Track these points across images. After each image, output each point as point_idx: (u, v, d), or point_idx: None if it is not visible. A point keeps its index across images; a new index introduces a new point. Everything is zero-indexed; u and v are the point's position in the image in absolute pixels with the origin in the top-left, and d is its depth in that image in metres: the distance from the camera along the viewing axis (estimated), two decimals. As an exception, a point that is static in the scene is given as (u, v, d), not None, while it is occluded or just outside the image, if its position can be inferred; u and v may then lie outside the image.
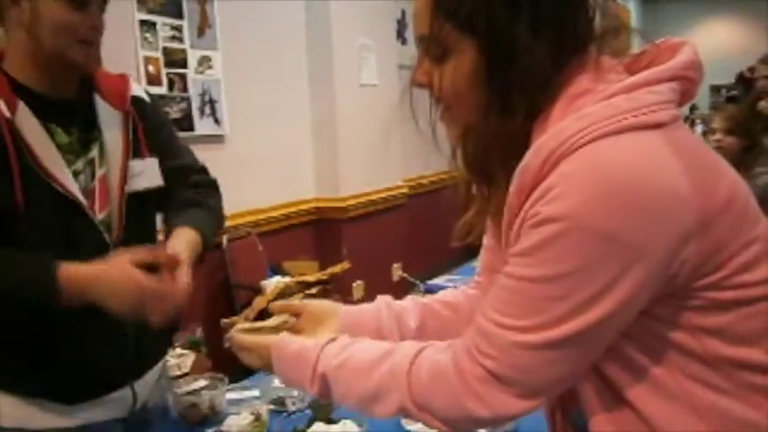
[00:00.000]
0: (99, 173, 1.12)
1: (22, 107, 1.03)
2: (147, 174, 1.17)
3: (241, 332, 0.88)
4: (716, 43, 10.13)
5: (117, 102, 1.16)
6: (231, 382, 1.46)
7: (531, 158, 0.63)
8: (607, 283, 0.60)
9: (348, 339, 0.79)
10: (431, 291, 2.12)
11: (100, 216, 1.11)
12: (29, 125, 1.03)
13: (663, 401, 0.66)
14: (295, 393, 1.38)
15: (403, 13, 4.43)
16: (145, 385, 1.22)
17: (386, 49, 3.96)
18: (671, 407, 0.66)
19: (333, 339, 0.79)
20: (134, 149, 1.16)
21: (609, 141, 0.60)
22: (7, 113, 1.01)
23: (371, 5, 3.81)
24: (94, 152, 1.12)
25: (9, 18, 1.03)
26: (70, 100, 1.11)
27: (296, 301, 0.98)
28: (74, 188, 1.06)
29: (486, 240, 0.90)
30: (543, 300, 0.63)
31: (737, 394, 0.66)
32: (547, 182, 0.61)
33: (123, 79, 1.20)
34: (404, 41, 4.44)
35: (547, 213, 0.61)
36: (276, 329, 0.89)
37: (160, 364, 1.28)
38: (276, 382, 1.43)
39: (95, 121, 1.13)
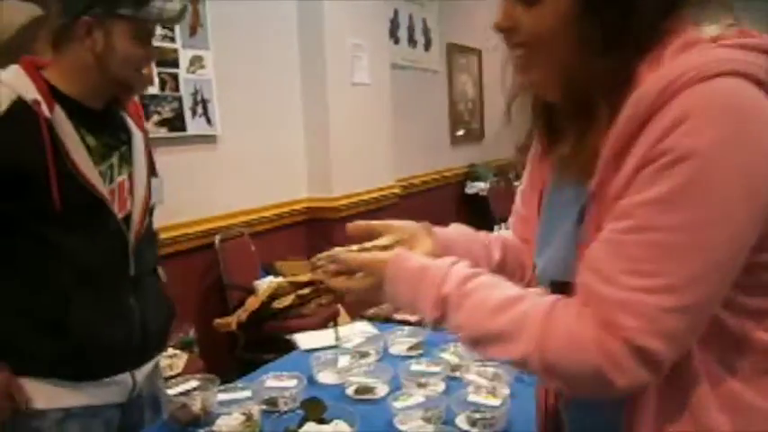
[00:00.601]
0: (118, 178, 1.26)
1: (58, 110, 1.17)
2: (156, 192, 1.37)
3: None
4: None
5: (138, 122, 1.35)
6: (223, 382, 1.45)
7: (649, 87, 0.61)
8: (744, 225, 0.59)
9: (473, 268, 0.74)
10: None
11: (119, 216, 1.25)
12: (64, 126, 1.17)
13: (698, 386, 0.66)
14: (287, 394, 1.38)
15: (396, 12, 4.43)
16: (142, 375, 1.34)
17: (378, 49, 3.96)
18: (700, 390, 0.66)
19: (456, 262, 0.75)
20: (151, 168, 1.37)
21: (734, 80, 0.59)
22: (47, 113, 1.14)
23: (364, 5, 3.81)
24: (114, 159, 1.26)
25: (74, 41, 1.19)
26: (99, 110, 1.26)
27: (376, 222, 0.89)
28: (102, 188, 1.21)
29: (520, 210, 0.92)
30: (687, 250, 0.59)
31: (756, 382, 0.67)
32: (671, 114, 0.59)
33: (139, 105, 1.41)
34: (396, 41, 4.45)
35: (682, 150, 0.58)
36: (386, 248, 0.80)
37: (157, 359, 1.40)
38: (268, 382, 1.43)
39: (118, 132, 1.29)
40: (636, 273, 0.61)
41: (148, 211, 1.33)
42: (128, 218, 1.27)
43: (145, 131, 1.37)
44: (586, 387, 0.66)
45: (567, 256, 0.71)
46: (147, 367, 1.36)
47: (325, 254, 0.84)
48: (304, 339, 1.78)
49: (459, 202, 5.28)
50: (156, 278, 1.41)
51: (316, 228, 3.71)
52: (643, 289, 0.60)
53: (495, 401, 1.27)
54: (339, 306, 3.27)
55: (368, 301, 0.86)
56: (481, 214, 4.71)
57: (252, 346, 3.02)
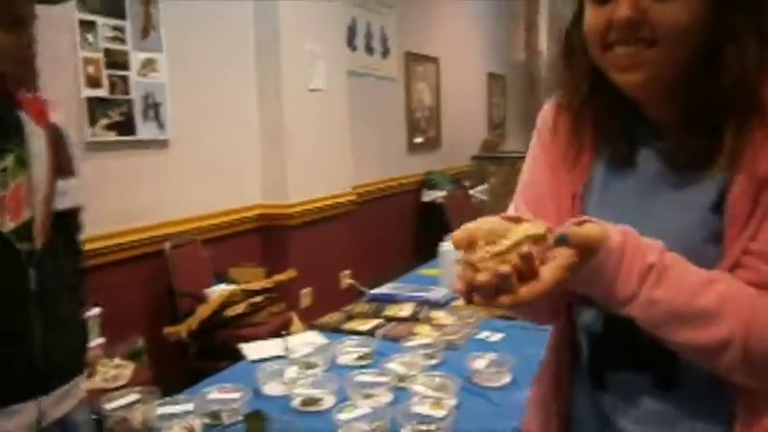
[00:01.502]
0: (13, 182, 1.12)
1: None
2: (71, 194, 1.20)
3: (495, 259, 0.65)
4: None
5: (40, 119, 1.18)
6: (173, 392, 1.41)
7: None
8: None
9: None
10: (375, 300, 2.12)
11: (11, 225, 1.10)
12: None
13: None
14: (230, 406, 1.35)
15: (353, 20, 4.44)
16: (52, 402, 1.17)
17: (335, 56, 3.95)
18: None
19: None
20: (59, 168, 1.18)
21: None
22: None
23: (321, 12, 3.80)
24: (8, 162, 1.11)
25: None
26: None
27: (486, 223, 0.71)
28: None
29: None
30: None
31: None
32: None
33: (44, 101, 1.23)
34: (354, 48, 4.45)
35: None
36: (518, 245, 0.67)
37: (73, 382, 1.22)
38: (212, 395, 1.40)
39: (9, 132, 1.13)
40: None
41: (54, 216, 1.17)
42: (28, 225, 1.12)
43: (52, 128, 1.20)
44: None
45: (689, 250, 0.69)
46: (58, 393, 1.18)
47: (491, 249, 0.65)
48: (252, 349, 1.75)
49: (416, 210, 5.30)
50: (75, 295, 1.24)
51: (270, 234, 3.68)
52: None
53: (441, 412, 1.27)
54: (292, 314, 3.25)
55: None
56: (437, 222, 4.73)
57: (203, 354, 2.96)
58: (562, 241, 0.64)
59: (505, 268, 0.62)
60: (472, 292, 0.64)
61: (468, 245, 0.65)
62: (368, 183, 4.63)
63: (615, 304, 0.68)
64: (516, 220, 0.68)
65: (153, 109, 2.99)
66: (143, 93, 2.93)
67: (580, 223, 0.66)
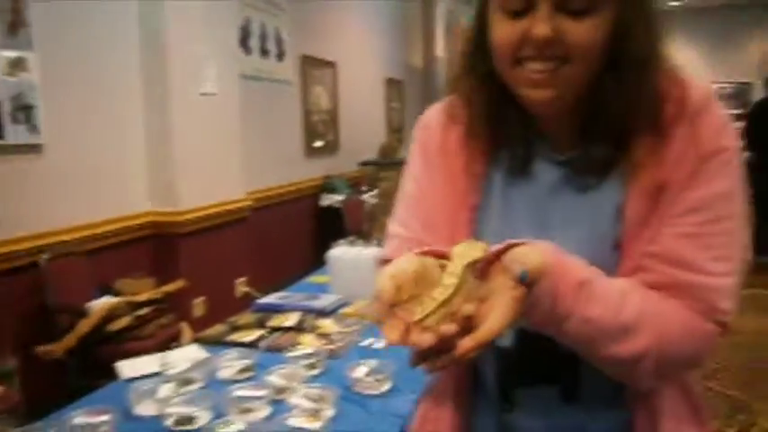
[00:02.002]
0: None
1: None
2: None
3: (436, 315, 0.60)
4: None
5: None
6: (43, 416, 1.32)
7: (693, 94, 0.73)
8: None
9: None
10: (261, 309, 2.08)
11: None
12: None
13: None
14: (99, 430, 1.28)
15: (247, 21, 4.35)
16: None
17: (227, 59, 3.86)
18: None
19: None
20: None
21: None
22: None
23: (212, 12, 3.70)
24: None
25: None
26: None
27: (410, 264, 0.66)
28: None
29: (419, 237, 0.83)
30: (741, 233, 0.72)
31: None
32: (716, 118, 0.73)
33: None
34: (248, 51, 4.36)
35: (734, 149, 0.73)
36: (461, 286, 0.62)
37: None
38: (77, 419, 1.32)
39: None
40: (720, 259, 0.70)
41: None
42: None
43: None
44: (678, 374, 0.74)
45: (594, 257, 0.70)
46: None
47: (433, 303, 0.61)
48: (126, 367, 1.67)
49: (315, 215, 5.27)
50: None
51: (160, 243, 3.53)
52: (728, 273, 0.70)
53: (316, 424, 1.26)
54: (183, 325, 3.13)
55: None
56: (336, 227, 4.72)
57: (86, 373, 2.79)
58: (522, 281, 0.61)
59: (451, 328, 0.58)
60: (421, 355, 0.60)
61: (397, 293, 0.60)
62: (264, 188, 4.55)
63: (548, 327, 0.67)
64: (439, 254, 0.66)
65: (23, 111, 2.79)
66: (11, 94, 2.73)
67: (508, 246, 0.64)
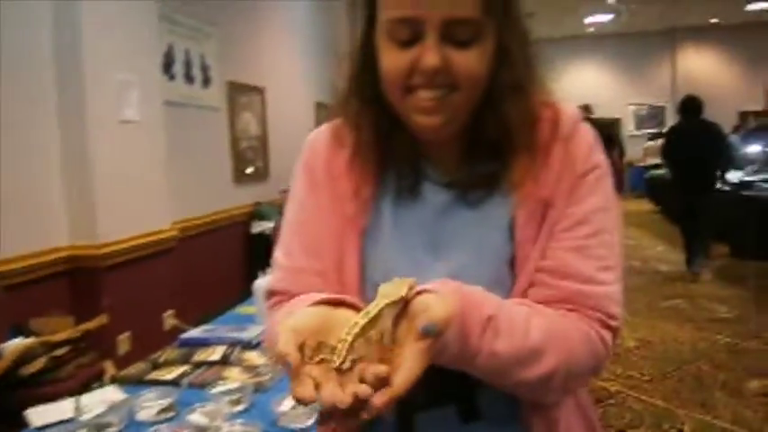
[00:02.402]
0: None
1: None
2: None
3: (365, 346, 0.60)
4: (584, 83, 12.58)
5: None
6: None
7: (564, 117, 0.80)
8: None
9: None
10: (186, 344, 2.00)
11: None
12: None
13: None
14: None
15: (170, 47, 4.26)
16: None
17: (150, 85, 3.76)
18: None
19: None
20: None
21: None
22: None
23: (133, 38, 3.60)
24: None
25: None
26: None
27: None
28: None
29: (309, 266, 0.83)
30: (617, 242, 0.79)
31: None
32: (585, 138, 0.80)
33: None
34: (171, 77, 4.27)
35: (603, 167, 0.80)
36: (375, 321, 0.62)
37: None
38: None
39: None
40: (605, 269, 0.77)
41: None
42: None
43: None
44: (582, 384, 0.81)
45: (490, 276, 0.75)
46: None
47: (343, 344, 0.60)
48: (37, 415, 1.56)
49: (245, 243, 5.17)
50: None
51: (80, 278, 3.36)
52: (613, 281, 0.77)
53: (240, 464, 1.21)
54: (106, 363, 2.98)
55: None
56: (267, 254, 4.64)
57: (-3, 420, 2.61)
58: (428, 334, 0.60)
59: (367, 390, 0.57)
60: (330, 414, 0.58)
61: (300, 353, 0.59)
62: (192, 217, 4.43)
63: (456, 364, 0.67)
64: (336, 303, 0.65)
65: (-76, 144, 2.62)
66: None
67: (419, 293, 0.64)
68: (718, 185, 6.81)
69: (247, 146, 5.43)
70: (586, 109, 8.78)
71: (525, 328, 0.69)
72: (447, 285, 0.67)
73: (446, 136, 0.78)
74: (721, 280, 5.78)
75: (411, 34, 0.71)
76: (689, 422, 3.06)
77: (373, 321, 0.61)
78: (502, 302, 0.71)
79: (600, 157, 0.80)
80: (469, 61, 0.72)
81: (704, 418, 3.09)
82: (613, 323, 0.76)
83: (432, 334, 0.60)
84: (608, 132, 8.17)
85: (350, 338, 0.60)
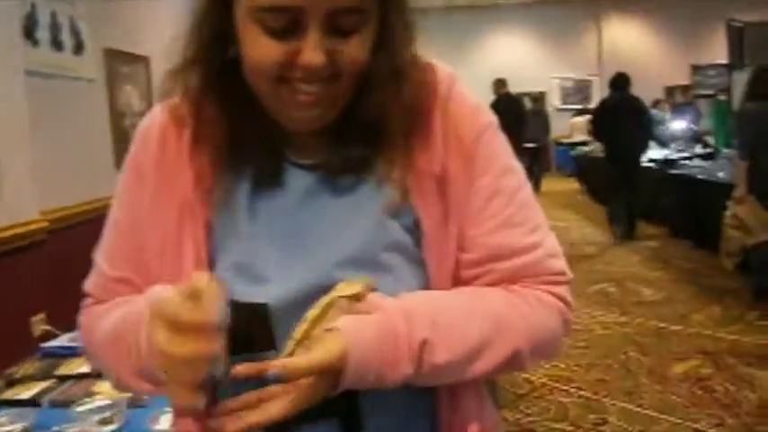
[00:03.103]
0: None
1: None
2: None
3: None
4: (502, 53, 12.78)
5: None
6: None
7: (443, 93, 0.81)
8: None
9: (424, 292, 0.76)
10: (50, 355, 1.88)
11: None
12: None
13: None
14: None
15: (33, 8, 3.98)
16: None
17: (6, 51, 3.50)
18: None
19: (411, 297, 0.73)
20: None
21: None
22: None
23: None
24: None
25: None
26: None
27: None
28: None
29: (112, 270, 0.84)
30: (530, 192, 0.84)
31: None
32: (468, 100, 0.82)
33: None
34: (35, 43, 3.99)
35: (494, 123, 0.83)
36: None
37: None
38: None
39: None
40: (532, 230, 0.80)
41: None
42: None
43: None
44: (556, 349, 0.82)
45: (365, 257, 0.76)
46: None
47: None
48: None
49: (132, 234, 4.95)
50: None
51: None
52: (544, 237, 0.81)
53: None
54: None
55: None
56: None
57: None
58: (277, 380, 0.63)
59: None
60: None
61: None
62: (65, 206, 4.19)
63: (390, 386, 0.70)
64: (194, 295, 0.63)
65: None
66: None
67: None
68: (646, 163, 7.21)
69: (131, 123, 5.18)
70: (501, 83, 9.02)
71: (464, 329, 0.73)
72: (362, 322, 0.69)
73: (320, 127, 0.77)
74: (650, 261, 6.10)
75: (287, 23, 0.68)
76: (615, 412, 3.21)
77: (318, 319, 0.68)
78: (438, 308, 0.73)
79: (486, 115, 0.83)
80: (353, 50, 0.71)
81: (630, 407, 3.25)
82: (561, 278, 0.81)
83: (280, 381, 0.63)
84: (518, 110, 8.49)
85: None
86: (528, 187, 0.84)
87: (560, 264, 0.82)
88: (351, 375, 0.67)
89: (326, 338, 0.66)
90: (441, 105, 0.79)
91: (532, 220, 0.81)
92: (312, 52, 0.68)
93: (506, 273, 0.78)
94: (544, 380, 3.62)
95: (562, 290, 0.81)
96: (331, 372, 0.66)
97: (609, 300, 5.02)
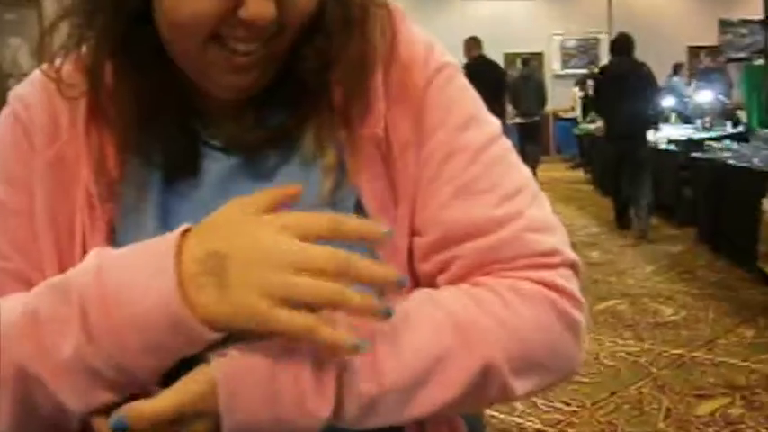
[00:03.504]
0: None
1: None
2: None
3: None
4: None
5: None
6: None
7: (385, 33, 0.79)
8: None
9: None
10: None
11: None
12: None
13: None
14: None
15: None
16: None
17: None
18: None
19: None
20: None
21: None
22: None
23: None
24: None
25: None
26: None
27: None
28: None
29: (19, 266, 0.78)
30: (508, 147, 0.82)
31: None
32: (409, 42, 0.81)
33: None
34: None
35: (448, 64, 0.82)
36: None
37: None
38: None
39: None
40: (505, 198, 0.76)
41: None
42: None
43: None
44: (558, 358, 0.74)
45: None
46: None
47: None
48: None
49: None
50: None
51: None
52: (523, 206, 0.76)
53: None
54: None
55: None
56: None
57: None
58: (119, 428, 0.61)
59: None
60: None
61: None
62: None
63: None
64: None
65: None
66: None
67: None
68: (658, 143, 7.30)
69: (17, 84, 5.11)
70: (473, 43, 8.93)
71: (407, 344, 0.67)
72: (250, 345, 0.65)
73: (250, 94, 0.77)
74: (669, 271, 6.16)
75: None
76: None
77: None
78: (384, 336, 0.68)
79: (442, 56, 0.82)
80: (301, 3, 0.71)
81: (645, 460, 3.27)
82: (550, 259, 0.74)
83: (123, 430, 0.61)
84: (496, 76, 8.47)
85: None
86: (503, 143, 0.81)
87: (549, 241, 0.75)
88: (229, 421, 0.62)
89: (195, 371, 0.63)
90: (384, 49, 0.79)
91: (505, 185, 0.77)
92: (261, 4, 0.67)
93: (471, 259, 0.74)
94: (539, 425, 3.63)
95: (552, 274, 0.74)
96: (198, 415, 0.63)
97: (619, 320, 5.06)
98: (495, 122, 0.81)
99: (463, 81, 0.82)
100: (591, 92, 8.04)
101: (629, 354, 4.47)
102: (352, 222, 0.66)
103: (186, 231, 0.65)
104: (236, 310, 0.60)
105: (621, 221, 7.29)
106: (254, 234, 0.63)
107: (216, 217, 0.66)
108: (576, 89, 12.47)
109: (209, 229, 0.65)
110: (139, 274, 0.62)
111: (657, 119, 7.36)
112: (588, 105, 11.92)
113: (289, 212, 0.66)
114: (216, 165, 0.79)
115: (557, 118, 13.10)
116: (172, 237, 0.64)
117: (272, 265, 0.61)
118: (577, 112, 12.12)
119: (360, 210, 0.76)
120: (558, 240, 0.76)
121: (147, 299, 0.61)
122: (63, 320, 0.63)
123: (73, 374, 0.63)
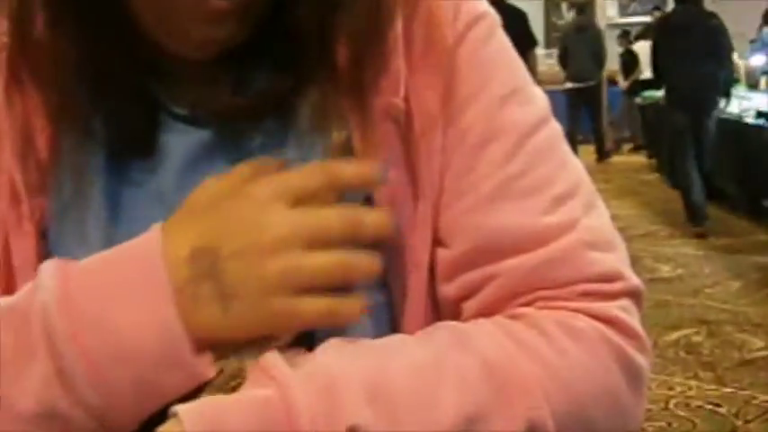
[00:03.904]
0: None
1: None
2: None
3: None
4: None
5: None
6: None
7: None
8: None
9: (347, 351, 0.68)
10: None
11: None
12: None
13: None
14: None
15: None
16: None
17: None
18: None
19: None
20: None
21: None
22: None
23: None
24: None
25: None
26: None
27: None
28: None
29: None
30: (562, 135, 0.82)
31: None
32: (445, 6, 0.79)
33: None
34: None
35: (486, 14, 0.81)
36: None
37: None
38: None
39: None
40: (557, 200, 0.74)
41: None
42: None
43: None
44: (619, 413, 0.72)
45: None
46: None
47: None
48: None
49: None
50: None
51: None
52: (579, 213, 0.75)
53: None
54: None
55: None
56: None
57: None
58: None
59: None
60: None
61: None
62: None
63: None
64: None
65: None
66: None
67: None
68: (743, 116, 7.28)
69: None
70: None
71: (431, 400, 0.67)
72: (226, 404, 0.63)
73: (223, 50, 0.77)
74: (760, 288, 6.14)
75: None
76: None
77: None
78: (384, 369, 0.67)
79: (477, 6, 0.81)
80: None
81: None
82: (614, 286, 0.74)
83: None
84: (520, 24, 8.47)
85: None
86: (553, 127, 0.80)
87: (609, 260, 0.75)
88: None
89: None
90: (404, 5, 0.78)
91: (557, 183, 0.76)
92: None
93: (511, 281, 0.73)
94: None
95: (611, 306, 0.73)
96: None
97: (695, 356, 5.02)
98: (542, 97, 0.81)
99: (504, 39, 0.82)
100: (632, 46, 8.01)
101: (707, 401, 4.42)
102: (348, 169, 0.70)
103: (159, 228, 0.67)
104: (249, 325, 0.65)
105: (694, 219, 7.22)
106: (244, 214, 0.66)
107: (191, 202, 0.69)
108: (643, 42, 12.34)
109: (187, 219, 0.68)
110: (121, 289, 0.65)
111: (729, 85, 7.31)
112: (629, 63, 11.96)
113: (275, 176, 0.69)
114: (180, 140, 0.79)
115: (610, 82, 12.96)
116: (153, 236, 0.66)
117: (272, 249, 0.64)
118: (640, 75, 12.03)
119: (368, 203, 0.75)
120: (618, 258, 0.76)
121: (137, 325, 0.63)
122: (23, 359, 0.64)
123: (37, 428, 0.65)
